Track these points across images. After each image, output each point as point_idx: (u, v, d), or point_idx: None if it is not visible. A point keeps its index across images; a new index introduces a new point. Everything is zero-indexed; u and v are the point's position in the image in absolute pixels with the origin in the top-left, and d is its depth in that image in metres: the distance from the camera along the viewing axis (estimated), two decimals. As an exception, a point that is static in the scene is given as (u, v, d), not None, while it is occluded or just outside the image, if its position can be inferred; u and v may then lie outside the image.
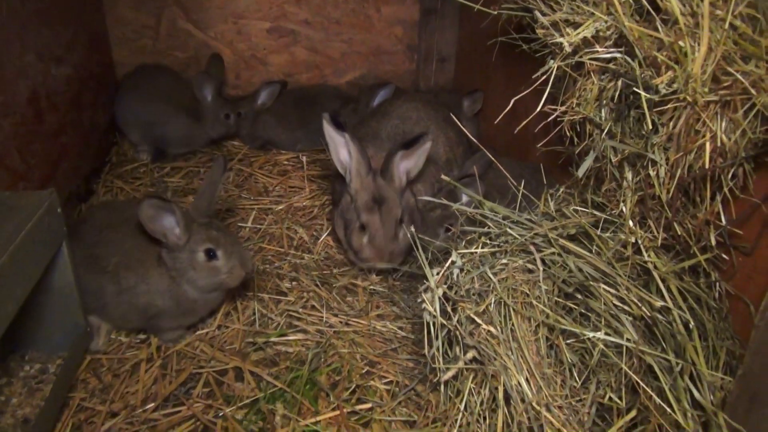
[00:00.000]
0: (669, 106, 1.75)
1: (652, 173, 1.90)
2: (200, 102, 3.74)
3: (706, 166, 1.74)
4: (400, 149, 2.63)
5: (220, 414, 2.17)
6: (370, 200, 2.65)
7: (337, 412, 2.17)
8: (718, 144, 1.71)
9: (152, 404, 2.19)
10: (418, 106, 3.14)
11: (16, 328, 2.09)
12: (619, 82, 1.95)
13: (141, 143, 3.80)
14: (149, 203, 2.20)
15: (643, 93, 1.77)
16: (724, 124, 1.70)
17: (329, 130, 2.72)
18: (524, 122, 2.17)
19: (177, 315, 2.42)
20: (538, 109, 2.10)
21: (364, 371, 2.38)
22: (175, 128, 3.73)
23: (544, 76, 2.09)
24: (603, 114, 2.10)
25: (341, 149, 2.73)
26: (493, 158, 2.44)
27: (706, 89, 1.65)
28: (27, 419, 1.94)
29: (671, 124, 1.78)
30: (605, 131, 2.07)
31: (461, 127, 2.61)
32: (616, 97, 2.01)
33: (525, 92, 2.13)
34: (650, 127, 1.80)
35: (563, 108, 2.21)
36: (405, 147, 2.63)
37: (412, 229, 2.48)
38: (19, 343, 2.19)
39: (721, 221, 1.87)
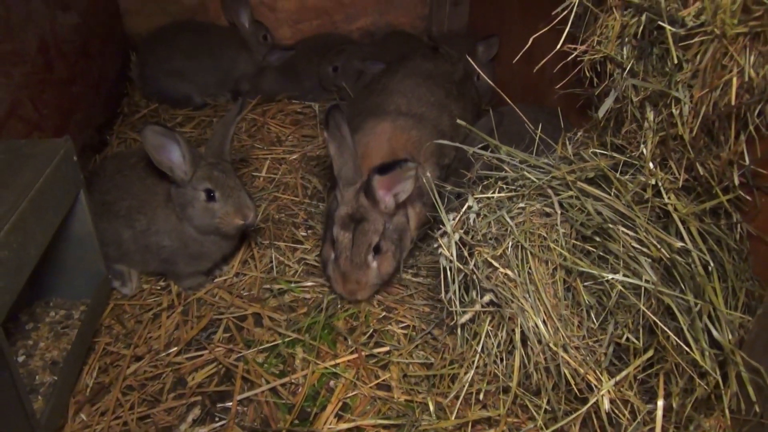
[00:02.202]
0: (695, 40, 1.68)
1: (675, 112, 1.85)
2: (239, 29, 3.88)
3: (733, 103, 1.68)
4: (375, 175, 2.20)
5: (242, 357, 2.22)
6: (347, 216, 2.31)
7: (356, 355, 2.21)
8: (746, 79, 1.65)
9: (175, 348, 2.24)
10: (418, 81, 2.85)
11: (40, 275, 2.13)
12: (643, 17, 1.88)
13: (218, 90, 3.91)
14: (151, 129, 2.17)
15: (668, 27, 1.70)
16: (752, 57, 1.63)
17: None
18: (543, 61, 2.11)
19: (187, 258, 2.43)
20: (558, 46, 2.04)
21: (381, 316, 2.41)
22: (244, 66, 3.91)
23: (564, 12, 2.02)
24: (625, 52, 2.03)
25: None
26: (508, 100, 2.39)
27: (736, 20, 1.58)
28: (55, 362, 2.00)
29: (697, 59, 1.72)
30: (627, 70, 2.01)
31: (481, 72, 2.55)
32: (639, 34, 1.95)
33: (544, 30, 2.06)
34: (675, 62, 1.74)
35: (583, 47, 2.14)
36: (379, 172, 2.19)
37: (429, 174, 2.43)
38: (43, 290, 2.24)
39: (744, 161, 1.83)
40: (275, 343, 2.27)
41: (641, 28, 1.90)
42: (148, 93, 3.83)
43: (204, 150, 2.39)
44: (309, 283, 2.55)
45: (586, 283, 1.91)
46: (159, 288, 2.54)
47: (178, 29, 3.85)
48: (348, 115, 2.96)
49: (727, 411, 1.75)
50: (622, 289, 1.82)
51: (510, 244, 1.98)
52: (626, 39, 2.01)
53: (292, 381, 2.13)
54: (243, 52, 3.92)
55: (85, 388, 2.07)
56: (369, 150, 2.49)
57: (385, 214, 2.33)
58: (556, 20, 2.11)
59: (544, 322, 1.88)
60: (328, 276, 2.42)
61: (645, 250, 1.85)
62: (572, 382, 1.83)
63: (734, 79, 1.66)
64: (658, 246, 1.84)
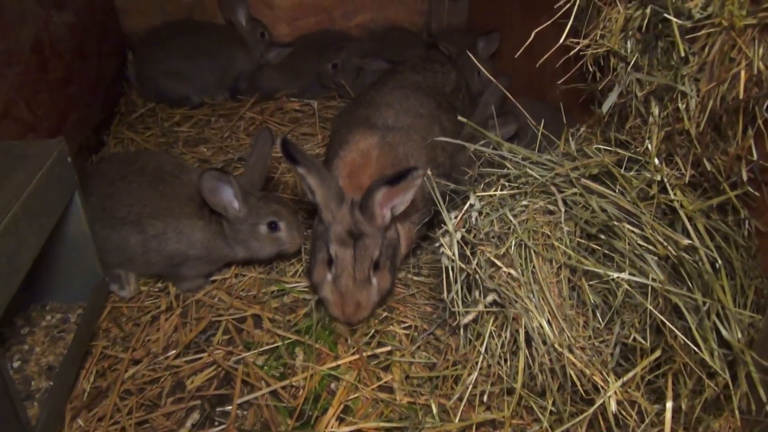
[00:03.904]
0: (702, 32, 1.64)
1: (681, 107, 1.81)
2: (236, 27, 3.84)
3: (741, 97, 1.64)
4: (382, 186, 2.11)
5: (241, 360, 2.18)
6: (345, 233, 2.18)
7: (357, 356, 2.18)
8: (755, 72, 1.60)
9: (174, 351, 2.21)
10: (407, 93, 2.75)
11: (35, 279, 2.10)
12: (648, 10, 1.84)
13: (217, 90, 3.87)
14: (210, 175, 2.22)
15: (674, 19, 1.66)
16: (761, 50, 1.59)
17: (288, 163, 2.23)
18: (546, 55, 2.07)
19: (203, 264, 2.45)
20: (561, 40, 1.99)
21: (382, 317, 2.37)
22: (242, 64, 3.88)
23: (567, 5, 1.98)
24: (629, 46, 1.99)
25: (303, 182, 2.25)
26: (509, 95, 2.34)
27: (744, 12, 1.54)
28: (51, 367, 1.97)
29: (704, 52, 1.67)
30: (631, 64, 1.97)
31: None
32: (643, 27, 1.91)
33: (546, 23, 2.02)
34: (681, 55, 1.70)
35: (586, 41, 2.10)
36: (389, 183, 2.11)
37: (429, 172, 2.37)
38: (39, 293, 2.21)
39: (752, 156, 1.79)
40: (275, 345, 2.24)
41: (646, 20, 1.86)
42: (146, 93, 3.79)
43: (244, 183, 2.39)
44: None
45: (591, 282, 1.87)
46: (157, 290, 2.51)
47: (174, 29, 3.81)
48: (334, 125, 2.90)
49: (737, 412, 1.71)
50: (629, 288, 1.78)
51: (513, 242, 1.94)
52: (630, 32, 1.97)
53: (293, 384, 2.09)
54: (240, 50, 3.88)
55: (82, 393, 2.04)
56: (355, 168, 2.38)
57: (381, 228, 2.23)
58: (559, 14, 2.07)
59: (548, 322, 1.85)
60: (324, 298, 2.25)
61: (651, 247, 1.81)
62: (578, 383, 1.79)
63: (742, 72, 1.62)
64: (665, 243, 1.80)
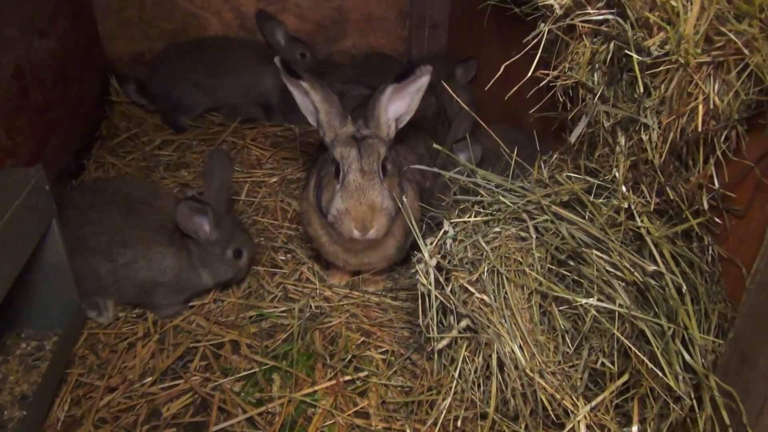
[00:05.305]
0: (661, 68, 1.71)
1: (644, 137, 1.88)
2: (274, 48, 3.77)
3: (699, 129, 1.71)
4: (390, 84, 2.17)
5: (218, 386, 2.18)
6: (348, 137, 2.18)
7: (334, 382, 2.19)
8: (711, 106, 1.68)
9: (150, 378, 2.21)
10: None
11: (10, 306, 2.10)
12: (612, 45, 1.91)
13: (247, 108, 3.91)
14: (187, 205, 2.27)
15: (635, 55, 1.73)
16: (716, 85, 1.66)
17: (287, 81, 2.28)
18: (516, 87, 2.13)
19: (174, 291, 2.44)
20: (530, 73, 2.06)
21: (359, 341, 2.39)
22: (272, 81, 3.81)
23: (535, 40, 2.05)
24: (595, 78, 2.06)
25: (305, 99, 2.31)
26: (480, 121, 2.40)
27: (699, 50, 1.61)
28: (25, 396, 1.96)
29: (663, 86, 1.74)
30: (598, 95, 2.03)
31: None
32: (608, 61, 1.97)
33: (516, 57, 2.09)
34: (642, 90, 1.77)
35: (555, 72, 2.17)
36: (396, 81, 2.17)
37: (405, 199, 2.42)
38: (14, 321, 2.20)
39: (713, 184, 1.86)
40: (252, 370, 2.25)
41: (610, 55, 1.93)
42: (154, 92, 3.80)
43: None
44: (288, 309, 2.53)
45: (561, 308, 1.92)
46: (135, 316, 2.51)
47: (204, 44, 3.88)
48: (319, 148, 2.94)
49: (702, 435, 1.75)
50: (597, 313, 1.82)
51: (486, 268, 1.98)
52: (596, 65, 2.04)
53: (269, 410, 2.10)
54: (271, 68, 3.84)
55: (56, 421, 2.03)
56: None
57: (385, 139, 2.24)
58: (529, 47, 2.14)
59: (520, 347, 1.88)
60: (336, 212, 2.13)
61: (619, 273, 1.86)
62: (549, 408, 1.82)
63: (700, 107, 1.69)
64: (632, 269, 1.85)
